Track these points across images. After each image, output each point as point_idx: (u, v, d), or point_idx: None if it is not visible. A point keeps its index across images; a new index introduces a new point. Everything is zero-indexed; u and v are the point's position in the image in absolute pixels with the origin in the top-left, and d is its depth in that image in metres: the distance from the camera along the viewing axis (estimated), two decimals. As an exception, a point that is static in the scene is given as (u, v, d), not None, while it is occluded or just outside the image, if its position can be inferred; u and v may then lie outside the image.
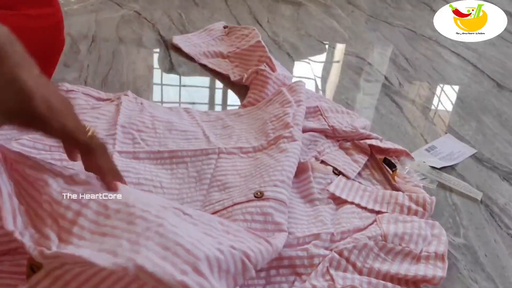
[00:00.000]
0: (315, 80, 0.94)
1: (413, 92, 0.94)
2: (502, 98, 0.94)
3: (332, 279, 0.49)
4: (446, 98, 0.94)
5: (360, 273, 0.51)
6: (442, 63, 1.06)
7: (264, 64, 0.84)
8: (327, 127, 0.73)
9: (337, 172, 0.65)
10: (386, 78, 0.97)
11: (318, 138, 0.71)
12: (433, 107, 0.90)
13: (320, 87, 0.92)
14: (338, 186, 0.63)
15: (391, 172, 0.66)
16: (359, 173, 0.67)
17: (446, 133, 0.81)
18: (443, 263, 0.52)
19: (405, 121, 0.83)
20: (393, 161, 0.67)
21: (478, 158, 0.75)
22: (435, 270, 0.51)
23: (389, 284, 0.50)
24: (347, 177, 0.65)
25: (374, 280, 0.50)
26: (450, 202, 0.66)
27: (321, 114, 0.75)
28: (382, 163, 0.68)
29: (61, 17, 0.79)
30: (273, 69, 0.83)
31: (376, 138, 0.72)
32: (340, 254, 0.52)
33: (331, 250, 0.52)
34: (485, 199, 0.67)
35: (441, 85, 0.97)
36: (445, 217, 0.63)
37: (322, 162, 0.67)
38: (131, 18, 1.10)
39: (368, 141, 0.71)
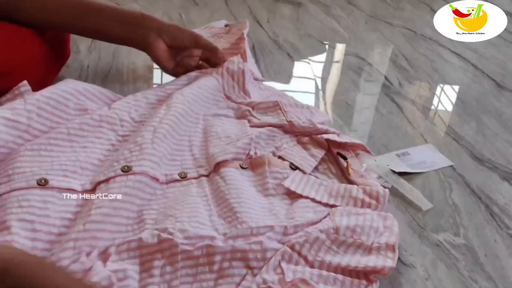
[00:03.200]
0: (315, 80, 0.95)
1: (413, 92, 0.94)
2: (502, 98, 0.94)
3: (283, 273, 0.49)
4: (446, 98, 0.94)
5: (312, 266, 0.51)
6: (442, 63, 1.06)
7: (238, 55, 0.83)
8: (285, 122, 0.73)
9: (294, 167, 0.65)
10: (386, 78, 0.97)
11: (276, 133, 0.71)
12: (433, 107, 0.90)
13: (320, 87, 0.92)
14: (294, 181, 0.63)
15: (345, 164, 0.66)
16: (316, 168, 0.67)
17: (446, 133, 0.81)
18: (393, 253, 0.52)
19: (405, 121, 0.83)
20: (343, 153, 0.68)
21: (478, 158, 0.75)
22: (385, 261, 0.51)
23: (340, 276, 0.50)
24: (304, 172, 0.65)
25: (325, 273, 0.50)
26: (450, 202, 0.66)
27: (280, 109, 0.75)
28: (337, 156, 0.69)
29: None
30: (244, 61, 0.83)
31: (334, 133, 0.72)
32: (292, 248, 0.52)
33: (283, 243, 0.53)
34: (485, 199, 0.67)
35: (441, 85, 0.97)
36: (445, 217, 0.63)
37: (280, 157, 0.67)
38: (131, 18, 1.10)
39: (325, 136, 0.71)
